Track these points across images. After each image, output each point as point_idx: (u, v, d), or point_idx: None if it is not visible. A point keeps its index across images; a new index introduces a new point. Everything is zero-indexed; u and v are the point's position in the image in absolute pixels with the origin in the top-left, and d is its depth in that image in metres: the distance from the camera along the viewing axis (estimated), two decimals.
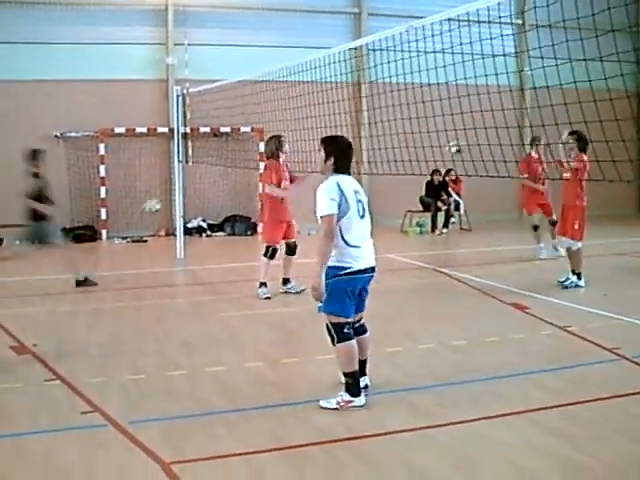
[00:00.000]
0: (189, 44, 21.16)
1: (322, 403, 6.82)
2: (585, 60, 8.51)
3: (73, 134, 20.75)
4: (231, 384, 7.50)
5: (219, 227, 21.85)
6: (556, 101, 8.90)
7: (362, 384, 7.03)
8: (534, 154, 15.17)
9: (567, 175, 12.14)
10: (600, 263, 14.76)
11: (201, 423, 6.50)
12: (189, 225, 20.93)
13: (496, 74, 9.61)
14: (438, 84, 10.45)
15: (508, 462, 5.61)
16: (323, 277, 6.68)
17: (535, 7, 9.23)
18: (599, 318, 10.12)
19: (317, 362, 8.20)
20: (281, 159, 12.13)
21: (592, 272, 12.57)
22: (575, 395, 7.05)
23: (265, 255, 11.99)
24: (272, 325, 10.39)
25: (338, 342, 6.80)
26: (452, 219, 21.82)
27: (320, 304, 6.79)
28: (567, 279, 12.37)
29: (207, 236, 21.40)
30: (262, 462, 5.68)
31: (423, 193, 21.98)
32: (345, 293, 6.77)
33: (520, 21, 23.07)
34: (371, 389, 7.19)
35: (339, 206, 6.68)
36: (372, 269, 6.99)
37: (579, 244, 12.28)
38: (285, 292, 12.22)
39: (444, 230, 21.35)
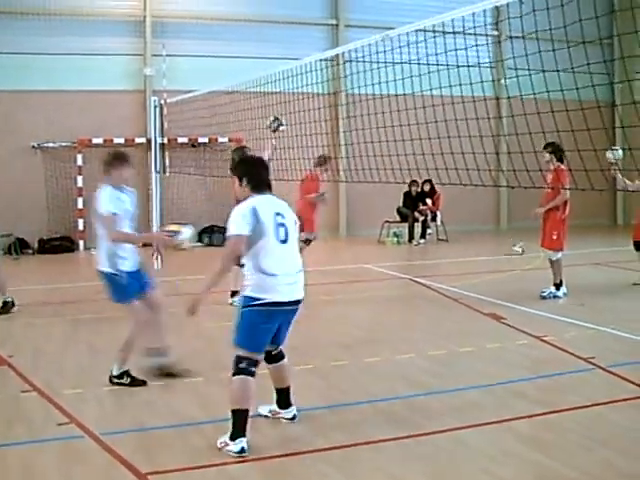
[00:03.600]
0: (167, 55, 21.15)
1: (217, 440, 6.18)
2: (558, 71, 8.59)
3: (51, 145, 20.67)
4: (208, 395, 7.50)
5: (197, 237, 21.81)
6: (530, 111, 8.97)
7: (290, 415, 6.73)
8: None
9: (548, 190, 12.20)
10: (576, 273, 14.83)
11: (178, 434, 6.49)
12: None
13: (471, 84, 9.68)
14: (413, 94, 10.51)
15: (486, 471, 5.63)
16: (202, 295, 6.34)
17: (509, 18, 9.29)
18: (575, 328, 10.19)
19: (295, 373, 8.14)
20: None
21: (569, 282, 12.63)
22: (551, 404, 7.09)
23: (239, 264, 11.89)
24: None
25: (234, 375, 6.21)
26: (429, 230, 21.88)
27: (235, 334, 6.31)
28: (549, 290, 12.42)
29: None
30: (240, 473, 5.68)
31: (400, 204, 22.03)
32: (257, 326, 6.20)
33: (496, 32, 23.22)
34: (348, 399, 7.20)
35: (253, 229, 6.17)
36: (296, 302, 6.35)
37: (559, 254, 12.29)
38: (231, 304, 11.93)
39: (421, 240, 21.41)
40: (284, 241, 6.27)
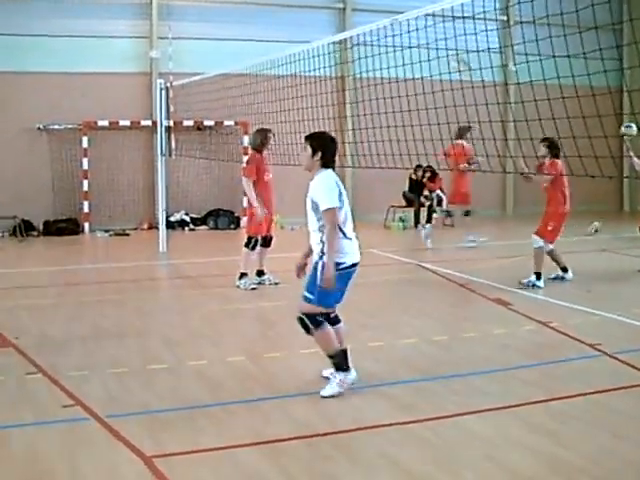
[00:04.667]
0: (173, 37, 21.07)
1: (323, 393, 6.90)
2: (569, 57, 8.54)
3: (56, 127, 20.64)
4: (213, 378, 7.49)
5: (202, 221, 21.82)
6: (538, 96, 8.92)
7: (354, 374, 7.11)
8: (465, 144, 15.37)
9: (546, 185, 12.20)
10: (583, 259, 14.81)
11: (183, 417, 6.48)
12: (172, 218, 20.86)
13: (480, 69, 9.62)
14: (422, 78, 10.46)
15: (488, 457, 5.62)
16: (330, 264, 6.77)
17: (519, 3, 9.22)
18: (581, 314, 10.17)
19: (300, 356, 8.19)
20: (264, 153, 12.14)
21: (575, 268, 12.60)
22: (556, 390, 7.07)
23: (247, 246, 12.03)
24: (255, 319, 10.40)
25: (316, 330, 6.92)
26: (435, 215, 21.81)
27: (308, 295, 6.89)
28: (556, 276, 12.46)
29: (190, 230, 21.37)
30: (244, 456, 5.67)
31: (406, 188, 21.98)
32: (338, 287, 6.90)
33: (505, 17, 23.13)
34: (353, 383, 7.20)
35: (340, 201, 6.86)
36: (358, 264, 7.08)
37: (541, 243, 12.18)
38: (258, 283, 12.22)
39: (427, 225, 21.34)
40: (343, 207, 6.94)
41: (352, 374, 7.00)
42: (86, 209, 20.78)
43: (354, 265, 6.98)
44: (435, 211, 21.71)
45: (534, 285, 12.09)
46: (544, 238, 12.21)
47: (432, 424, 6.27)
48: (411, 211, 21.72)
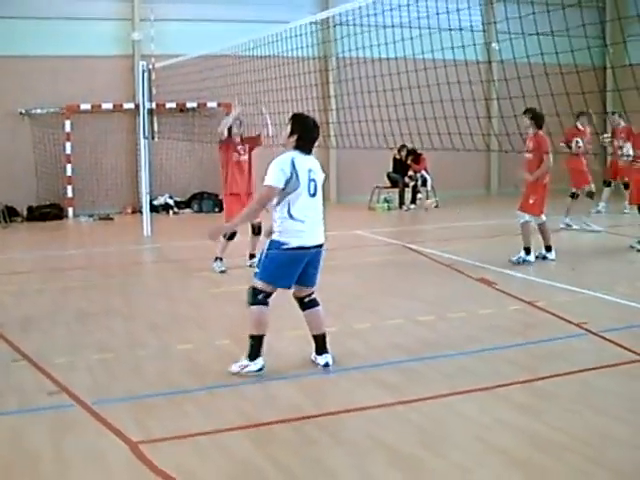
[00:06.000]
0: (155, 19, 20.93)
1: (231, 368, 7.05)
2: (552, 34, 8.51)
3: (38, 111, 20.50)
4: (200, 362, 7.47)
5: (186, 204, 21.74)
6: (522, 74, 8.89)
7: (322, 361, 7.19)
8: (580, 126, 15.16)
9: (529, 155, 12.21)
10: (567, 238, 14.85)
11: (169, 402, 6.46)
12: (155, 202, 20.77)
13: (463, 47, 9.58)
14: (405, 58, 10.41)
15: (476, 437, 5.62)
16: (228, 227, 7.40)
17: None
18: (566, 293, 10.18)
19: (286, 338, 8.17)
20: (234, 135, 12.16)
21: (560, 247, 12.63)
22: (542, 370, 7.09)
23: (223, 235, 11.98)
24: (240, 302, 10.26)
25: (251, 304, 7.02)
26: (419, 195, 21.81)
27: (257, 270, 7.10)
28: (538, 254, 12.45)
29: (174, 213, 21.29)
30: (231, 440, 5.66)
31: (390, 169, 21.95)
32: (281, 266, 6.96)
33: None
34: (339, 365, 7.20)
35: (288, 182, 6.84)
36: (318, 246, 7.12)
37: (526, 217, 12.25)
38: (250, 266, 12.20)
39: (411, 206, 21.37)
40: (313, 195, 7.02)
41: (257, 366, 7.00)
42: (70, 194, 20.69)
43: (302, 248, 6.94)
44: (420, 191, 21.70)
45: (524, 260, 12.16)
46: (528, 212, 12.23)
47: (419, 405, 6.26)
48: (396, 192, 21.69)
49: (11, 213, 19.76)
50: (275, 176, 6.84)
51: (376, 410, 6.17)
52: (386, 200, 21.59)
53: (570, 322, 8.61)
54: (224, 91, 14.73)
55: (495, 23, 19.41)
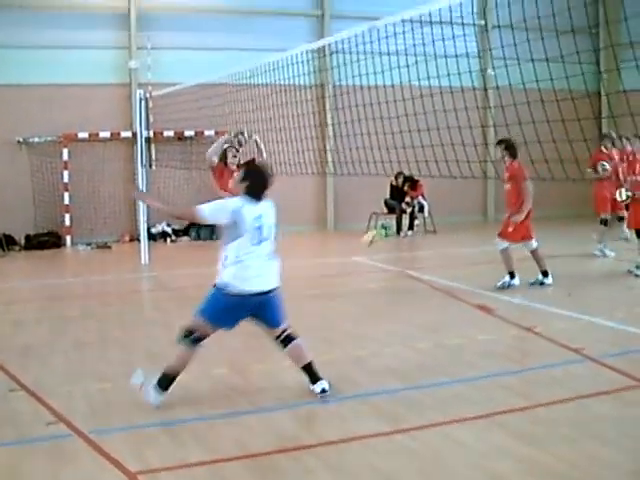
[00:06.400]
0: (152, 48, 21.04)
1: (133, 379, 7.10)
2: (547, 60, 8.55)
3: (36, 139, 20.55)
4: (197, 392, 7.44)
5: (184, 232, 21.73)
6: (519, 101, 8.93)
7: (319, 389, 7.12)
8: (604, 149, 15.12)
9: (507, 186, 12.28)
10: (563, 263, 14.84)
11: (167, 432, 6.44)
12: (153, 230, 20.77)
13: (459, 74, 9.63)
14: (401, 85, 10.45)
15: (474, 465, 5.61)
16: (153, 203, 7.60)
17: (497, 7, 9.24)
18: (564, 318, 10.17)
19: (284, 368, 8.12)
20: (229, 163, 12.23)
21: (556, 272, 12.62)
22: (540, 396, 7.08)
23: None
24: (237, 331, 10.29)
25: (181, 341, 7.03)
26: (416, 221, 21.84)
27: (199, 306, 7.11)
28: (534, 281, 12.44)
29: (172, 241, 21.28)
30: (229, 470, 5.64)
31: (387, 196, 21.99)
32: (222, 309, 6.98)
33: (482, 21, 23.19)
34: (337, 393, 7.17)
35: (230, 226, 6.85)
36: (265, 293, 7.02)
37: (505, 244, 12.32)
38: None
39: (409, 232, 21.39)
40: (261, 241, 6.93)
41: (157, 400, 6.97)
42: (67, 222, 20.70)
43: (244, 295, 6.91)
44: (417, 218, 21.74)
45: (509, 285, 12.19)
46: (507, 239, 12.29)
47: (417, 434, 6.25)
48: (393, 218, 21.71)
49: (9, 242, 19.76)
50: (214, 211, 6.93)
51: (374, 439, 6.16)
52: (383, 226, 21.59)
53: (568, 348, 8.61)
54: (222, 119, 14.79)
55: (490, 50, 19.50)
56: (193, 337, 6.99)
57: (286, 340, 7.20)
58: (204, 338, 7.04)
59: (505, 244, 12.27)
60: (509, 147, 11.85)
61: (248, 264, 6.86)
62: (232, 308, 6.96)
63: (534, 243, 12.39)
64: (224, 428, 6.51)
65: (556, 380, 7.63)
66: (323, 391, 7.11)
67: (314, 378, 7.17)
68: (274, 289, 7.08)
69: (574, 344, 8.67)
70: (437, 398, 7.15)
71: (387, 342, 9.24)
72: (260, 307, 7.02)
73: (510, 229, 12.21)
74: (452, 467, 5.63)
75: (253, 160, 7.53)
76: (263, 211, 6.99)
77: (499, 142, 11.80)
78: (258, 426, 6.54)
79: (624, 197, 13.18)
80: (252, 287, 6.90)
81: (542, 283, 12.39)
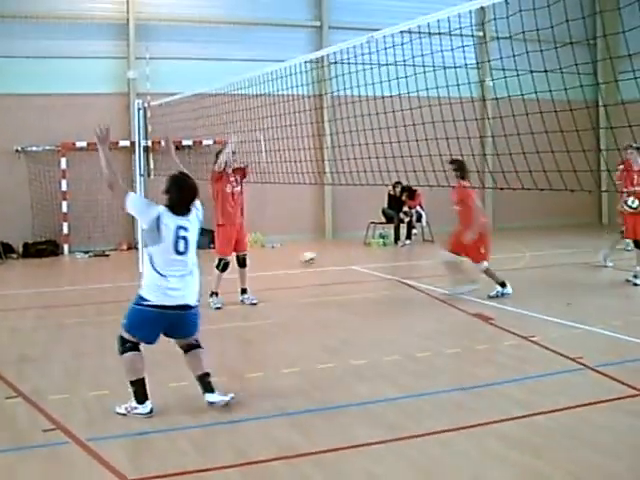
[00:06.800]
0: (150, 58, 21.07)
1: (116, 409, 7.03)
2: (545, 71, 8.57)
3: (34, 148, 20.56)
4: (195, 399, 7.41)
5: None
6: (517, 111, 8.95)
7: (210, 399, 7.09)
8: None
9: (457, 208, 12.42)
10: (562, 272, 14.87)
11: (165, 439, 6.44)
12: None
13: (458, 85, 9.64)
14: (400, 95, 10.47)
15: (473, 474, 5.61)
16: (104, 153, 7.35)
17: (495, 19, 9.27)
18: (562, 328, 10.18)
19: (281, 376, 8.17)
20: (229, 171, 12.21)
21: (555, 281, 12.63)
22: (539, 405, 7.07)
23: (217, 267, 12.08)
24: (235, 339, 10.33)
25: (121, 353, 7.03)
26: (414, 230, 21.86)
27: (123, 319, 7.11)
28: (496, 293, 12.41)
29: None
30: (226, 478, 5.64)
31: (385, 205, 22.02)
32: (141, 322, 6.97)
33: (481, 33, 23.26)
34: (337, 402, 7.19)
35: (151, 231, 6.87)
36: (184, 307, 6.99)
37: (484, 264, 12.43)
38: (242, 302, 12.25)
39: (407, 241, 21.41)
40: (182, 252, 6.92)
41: (146, 409, 6.97)
42: (65, 230, 20.70)
43: (162, 307, 6.88)
44: (415, 227, 21.77)
45: (503, 294, 12.31)
46: (482, 259, 12.43)
47: (416, 442, 6.25)
48: (391, 227, 21.75)
49: (7, 250, 19.75)
50: (135, 206, 7.06)
51: (372, 447, 6.15)
52: (381, 236, 21.63)
53: (566, 357, 8.62)
54: (220, 129, 14.80)
55: (489, 61, 19.56)
56: (128, 346, 7.00)
57: (189, 347, 7.25)
58: (137, 344, 7.05)
59: (484, 264, 12.43)
60: (459, 168, 11.96)
61: (169, 274, 6.86)
62: (151, 322, 6.94)
63: (484, 264, 12.46)
64: (222, 435, 6.52)
65: (554, 389, 7.64)
66: (210, 403, 7.10)
67: (206, 389, 7.16)
68: (195, 306, 7.11)
69: (572, 353, 8.68)
70: (435, 406, 7.16)
71: (385, 351, 9.23)
72: (177, 322, 7.03)
73: (482, 250, 12.43)
74: (450, 475, 5.63)
75: (181, 173, 7.48)
76: (187, 224, 6.98)
77: (451, 162, 11.79)
78: (256, 433, 6.53)
79: (635, 205, 13.22)
80: (172, 300, 6.88)
81: (503, 294, 12.38)
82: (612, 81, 8.31)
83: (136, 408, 6.96)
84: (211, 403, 7.08)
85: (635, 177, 13.34)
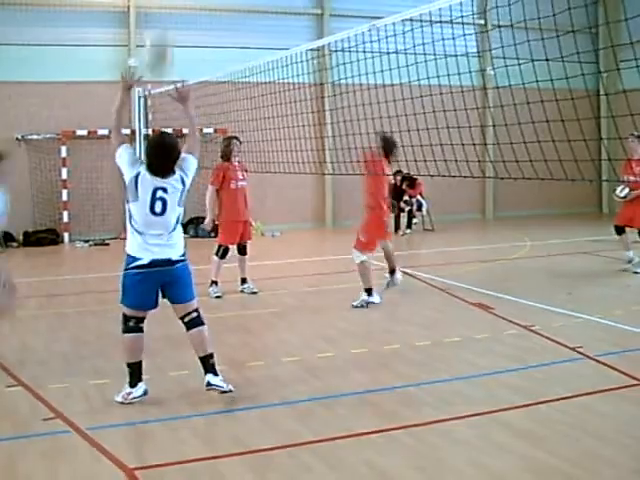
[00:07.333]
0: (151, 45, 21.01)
1: (115, 397, 7.06)
2: (547, 60, 8.55)
3: (34, 137, 20.56)
4: (195, 388, 7.41)
5: (182, 229, 21.64)
6: (518, 100, 8.94)
7: (217, 383, 7.00)
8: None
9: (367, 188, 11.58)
10: (563, 262, 14.86)
11: (165, 428, 6.44)
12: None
13: (459, 74, 9.62)
14: (401, 84, 10.45)
15: (473, 462, 5.61)
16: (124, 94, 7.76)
17: (497, 7, 9.23)
18: (563, 317, 10.17)
19: (282, 364, 8.17)
20: (233, 160, 12.13)
21: (556, 271, 12.63)
22: (539, 394, 7.07)
23: (216, 254, 12.06)
24: (235, 328, 10.33)
25: (122, 333, 7.08)
26: (415, 220, 21.85)
27: None
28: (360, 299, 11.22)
29: None
30: (227, 466, 5.64)
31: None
32: (133, 286, 6.98)
33: (482, 21, 23.21)
34: (337, 391, 7.19)
35: (130, 188, 6.93)
36: (167, 262, 6.95)
37: (363, 257, 11.28)
38: (241, 291, 12.25)
39: (407, 231, 21.40)
40: (159, 213, 6.92)
41: (139, 391, 7.02)
42: (66, 219, 20.70)
43: (153, 264, 6.90)
44: (415, 216, 21.76)
45: (368, 303, 11.18)
46: (357, 249, 11.36)
47: (416, 431, 6.25)
48: (391, 217, 21.70)
49: (7, 238, 19.72)
50: (122, 157, 7.10)
51: (372, 436, 6.15)
52: None
53: (566, 346, 8.62)
54: (221, 118, 14.78)
55: (490, 50, 19.51)
56: (130, 326, 7.05)
57: (191, 323, 7.15)
58: (141, 321, 7.11)
59: (363, 256, 11.37)
60: (383, 146, 11.11)
61: (146, 232, 6.89)
62: (138, 284, 6.93)
63: (361, 256, 11.37)
64: (222, 424, 6.53)
65: (555, 378, 7.64)
66: (209, 384, 7.01)
67: (207, 370, 7.07)
68: (178, 261, 7.02)
69: (572, 342, 8.69)
70: (436, 395, 7.16)
71: (386, 340, 9.24)
72: (166, 280, 6.97)
73: (362, 238, 11.45)
74: (450, 464, 5.63)
75: (162, 133, 7.50)
76: (166, 185, 6.93)
77: (380, 137, 11.18)
78: (256, 422, 6.54)
79: (623, 195, 13.19)
80: (152, 256, 6.87)
81: (368, 303, 11.22)
82: (614, 69, 8.28)
83: (130, 393, 6.99)
84: (209, 385, 6.98)
85: (634, 166, 13.31)
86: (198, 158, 7.38)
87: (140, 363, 7.07)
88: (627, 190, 13.24)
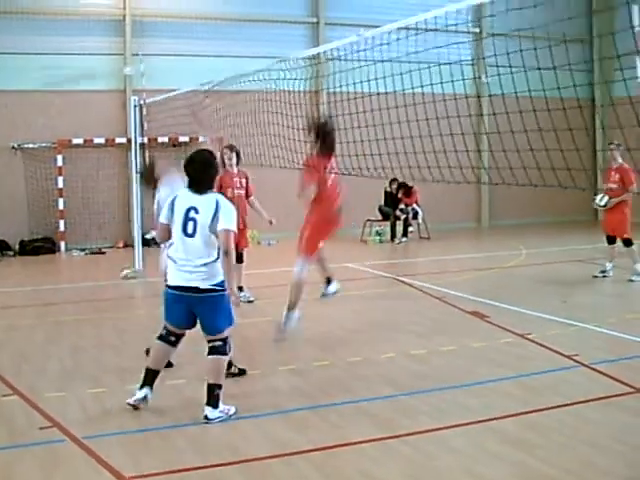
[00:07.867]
0: (146, 54, 21.05)
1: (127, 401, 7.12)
2: (539, 69, 8.59)
3: (30, 145, 20.55)
4: (191, 397, 7.43)
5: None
6: (511, 108, 8.96)
7: (212, 417, 6.77)
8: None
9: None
10: (558, 270, 14.89)
11: (161, 437, 6.46)
12: (148, 236, 20.67)
13: (452, 82, 9.65)
14: (395, 92, 10.48)
15: (468, 471, 5.63)
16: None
17: (492, 16, 9.28)
18: (558, 325, 10.20)
19: (278, 373, 8.18)
20: (234, 168, 12.13)
21: (551, 279, 12.65)
22: (534, 403, 7.10)
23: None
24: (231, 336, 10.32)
25: (156, 338, 7.23)
26: (410, 228, 21.87)
27: None
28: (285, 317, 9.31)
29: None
30: (222, 475, 5.66)
31: (382, 202, 22.03)
32: (167, 304, 7.10)
33: (477, 30, 23.26)
34: (332, 400, 7.21)
35: (168, 218, 7.02)
36: (193, 289, 6.83)
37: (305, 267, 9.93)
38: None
39: (403, 239, 21.41)
40: (189, 234, 6.87)
41: (140, 395, 7.08)
42: (62, 228, 20.68)
43: (177, 288, 6.91)
44: (411, 224, 21.78)
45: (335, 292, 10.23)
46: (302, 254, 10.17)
47: (411, 439, 6.27)
48: (387, 225, 21.75)
49: (3, 247, 19.76)
50: (163, 212, 7.11)
51: (367, 444, 6.17)
52: (378, 233, 21.64)
53: (561, 354, 8.65)
54: (216, 125, 14.79)
55: (484, 58, 19.56)
56: (162, 335, 7.13)
57: (210, 350, 6.96)
58: (175, 336, 7.14)
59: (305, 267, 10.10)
60: (318, 135, 9.56)
61: (176, 255, 6.93)
62: (170, 302, 7.03)
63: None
64: (218, 433, 6.53)
65: (550, 386, 7.66)
66: (206, 417, 6.79)
67: (210, 402, 6.83)
68: (207, 290, 6.82)
69: (568, 350, 8.72)
70: (431, 404, 7.17)
71: (381, 349, 9.24)
72: (194, 307, 6.93)
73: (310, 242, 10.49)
74: (445, 473, 5.65)
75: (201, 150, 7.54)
76: (198, 204, 6.88)
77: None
78: (252, 431, 6.56)
79: (603, 203, 13.26)
80: (178, 282, 6.91)
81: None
82: (606, 82, 8.32)
83: (134, 395, 7.08)
84: (206, 417, 6.77)
85: (612, 174, 13.37)
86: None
87: (156, 373, 7.14)
88: (607, 198, 13.32)
